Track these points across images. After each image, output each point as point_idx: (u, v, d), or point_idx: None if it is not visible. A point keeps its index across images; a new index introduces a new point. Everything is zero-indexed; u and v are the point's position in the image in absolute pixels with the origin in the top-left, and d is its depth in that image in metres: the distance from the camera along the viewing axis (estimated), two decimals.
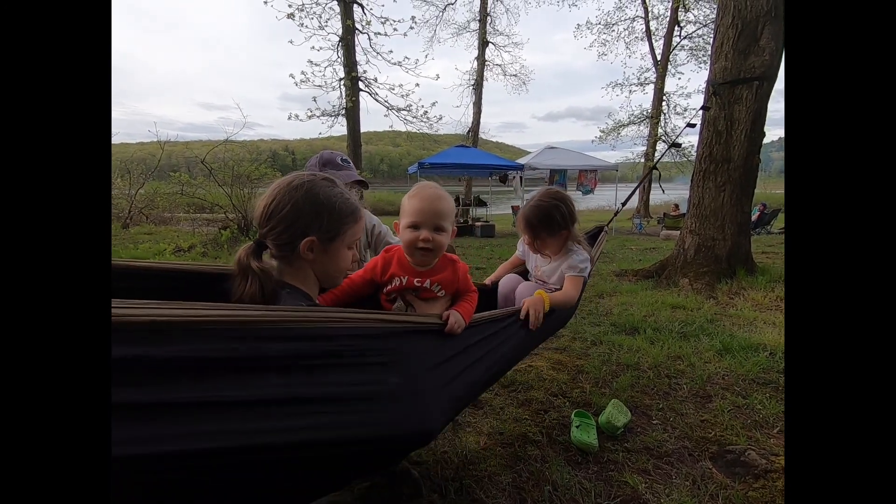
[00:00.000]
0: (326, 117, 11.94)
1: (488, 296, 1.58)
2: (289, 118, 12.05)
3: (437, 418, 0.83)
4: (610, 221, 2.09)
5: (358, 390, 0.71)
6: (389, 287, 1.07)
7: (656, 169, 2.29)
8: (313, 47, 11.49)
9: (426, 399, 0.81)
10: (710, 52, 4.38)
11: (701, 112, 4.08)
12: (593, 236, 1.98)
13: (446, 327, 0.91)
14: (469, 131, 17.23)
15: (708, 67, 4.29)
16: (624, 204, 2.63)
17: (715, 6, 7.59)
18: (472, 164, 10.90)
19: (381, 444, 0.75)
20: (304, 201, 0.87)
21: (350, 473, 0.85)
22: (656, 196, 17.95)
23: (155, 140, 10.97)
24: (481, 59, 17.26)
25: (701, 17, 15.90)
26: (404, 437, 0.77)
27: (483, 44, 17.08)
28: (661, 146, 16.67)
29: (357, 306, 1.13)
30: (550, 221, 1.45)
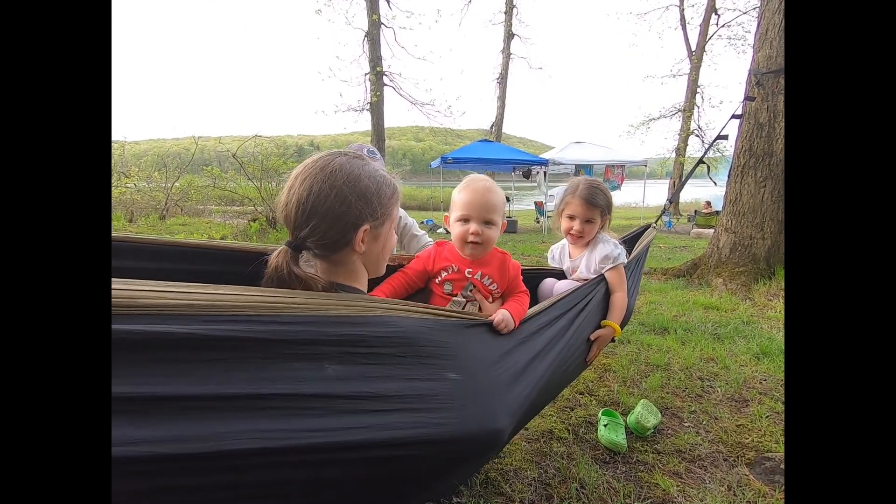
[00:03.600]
0: (351, 112, 12.11)
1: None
2: (314, 113, 12.30)
3: (505, 417, 0.76)
4: (658, 219, 2.01)
5: (419, 386, 0.66)
6: (442, 277, 1.06)
7: (703, 162, 2.16)
8: (339, 42, 11.64)
9: (489, 396, 0.75)
10: (752, 41, 4.14)
11: (743, 103, 3.87)
12: (638, 235, 1.90)
13: (493, 325, 0.87)
14: (492, 125, 17.03)
15: (750, 57, 4.06)
16: (671, 201, 2.54)
17: None
18: (495, 158, 10.77)
19: (449, 447, 0.67)
20: (349, 187, 0.73)
21: (414, 492, 0.73)
22: (687, 193, 17.25)
23: (189, 135, 11.44)
24: (506, 52, 16.97)
25: (741, 3, 15.06)
26: (469, 438, 0.69)
27: (508, 36, 16.78)
28: (693, 140, 15.96)
29: (411, 299, 1.11)
30: (607, 201, 1.44)
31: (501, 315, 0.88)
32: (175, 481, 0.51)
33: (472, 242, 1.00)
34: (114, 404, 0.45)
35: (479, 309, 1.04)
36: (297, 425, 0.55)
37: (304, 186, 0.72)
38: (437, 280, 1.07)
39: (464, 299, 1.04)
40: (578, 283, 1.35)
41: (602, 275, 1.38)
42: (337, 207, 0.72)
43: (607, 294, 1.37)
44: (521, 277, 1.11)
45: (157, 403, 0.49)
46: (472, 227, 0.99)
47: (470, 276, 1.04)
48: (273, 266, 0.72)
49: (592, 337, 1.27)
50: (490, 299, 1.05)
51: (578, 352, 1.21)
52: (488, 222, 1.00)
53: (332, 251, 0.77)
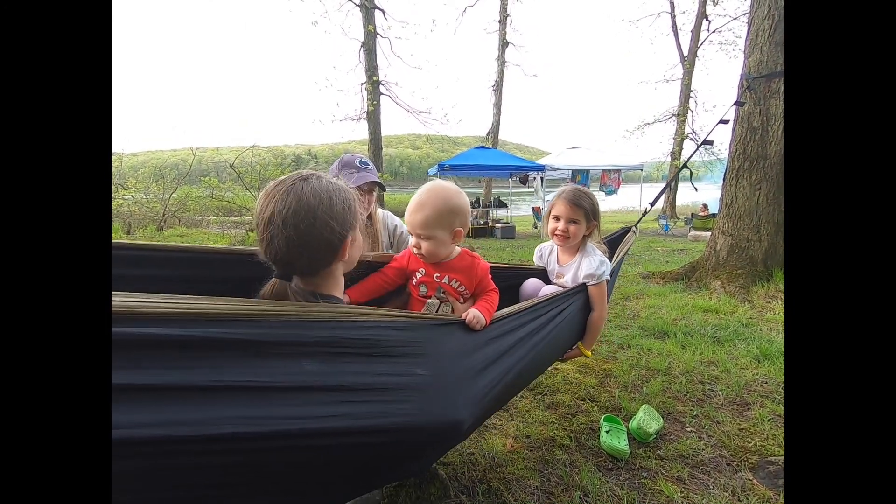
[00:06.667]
0: (349, 121, 12.17)
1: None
2: (312, 123, 12.37)
3: (465, 409, 0.83)
4: (638, 222, 2.03)
5: (388, 381, 0.74)
6: (417, 279, 1.13)
7: (687, 168, 2.19)
8: (336, 52, 11.74)
9: (452, 390, 0.83)
10: (742, 46, 4.20)
11: (733, 108, 3.91)
12: (619, 237, 1.92)
13: (465, 322, 0.94)
14: (489, 132, 17.15)
15: (741, 61, 4.12)
16: (652, 204, 2.54)
17: None
18: (492, 165, 10.84)
19: (412, 435, 0.75)
20: (328, 215, 0.77)
21: (383, 472, 0.84)
22: (683, 196, 17.35)
23: (187, 146, 11.46)
24: (501, 60, 17.15)
25: (731, 9, 15.29)
26: (434, 428, 0.78)
27: (503, 44, 16.97)
28: (688, 144, 16.11)
29: (389, 299, 1.17)
30: (592, 205, 1.47)
31: (473, 313, 0.94)
32: (168, 462, 0.56)
33: (417, 253, 1.09)
34: (114, 393, 0.50)
35: (452, 310, 1.10)
36: (278, 413, 0.62)
37: (287, 228, 0.73)
38: (413, 281, 1.14)
39: (437, 301, 1.10)
40: (561, 290, 1.38)
41: (583, 283, 1.42)
42: (326, 237, 0.78)
43: (586, 305, 1.43)
44: (492, 276, 1.17)
45: (153, 392, 0.55)
46: (412, 240, 1.09)
47: (438, 280, 1.10)
48: (268, 296, 0.79)
49: (564, 356, 1.42)
50: (461, 300, 1.11)
51: (548, 356, 1.29)
52: (425, 237, 1.06)
53: (323, 268, 0.83)
